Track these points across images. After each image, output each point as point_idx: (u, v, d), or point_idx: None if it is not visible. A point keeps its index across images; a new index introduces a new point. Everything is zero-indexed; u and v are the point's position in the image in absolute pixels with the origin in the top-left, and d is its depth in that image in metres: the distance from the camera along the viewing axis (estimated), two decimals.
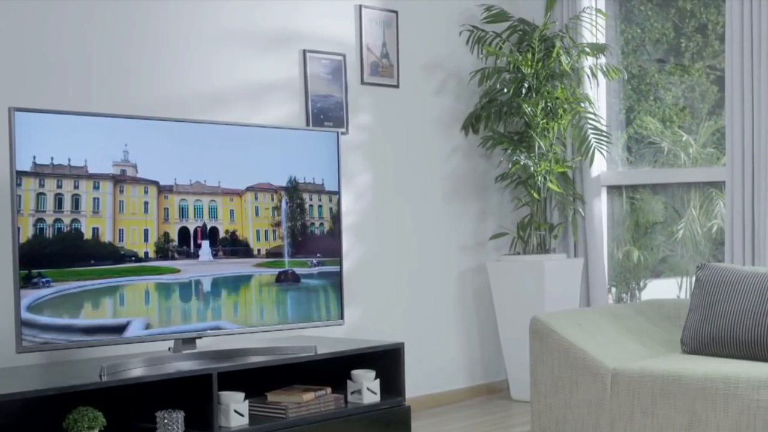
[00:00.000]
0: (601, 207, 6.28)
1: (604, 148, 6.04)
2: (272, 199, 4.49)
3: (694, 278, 4.62)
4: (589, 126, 6.02)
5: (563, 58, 5.91)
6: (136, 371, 3.86)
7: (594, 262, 6.19)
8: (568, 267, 5.97)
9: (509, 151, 5.98)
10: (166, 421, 3.82)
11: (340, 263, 4.75)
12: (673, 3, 6.41)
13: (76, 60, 4.43)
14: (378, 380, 4.51)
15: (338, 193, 4.75)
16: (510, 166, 5.97)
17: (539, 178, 5.93)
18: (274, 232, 4.49)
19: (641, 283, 6.58)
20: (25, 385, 3.56)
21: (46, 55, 4.33)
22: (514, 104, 5.99)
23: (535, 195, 5.96)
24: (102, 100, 4.48)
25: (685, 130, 6.39)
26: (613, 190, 6.45)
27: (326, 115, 5.42)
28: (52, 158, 3.83)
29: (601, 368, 4.30)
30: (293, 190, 4.56)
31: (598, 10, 6.14)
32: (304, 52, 5.35)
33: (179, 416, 3.84)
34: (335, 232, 4.72)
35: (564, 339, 4.43)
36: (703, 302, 4.50)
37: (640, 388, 4.17)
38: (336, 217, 4.73)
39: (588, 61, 6.13)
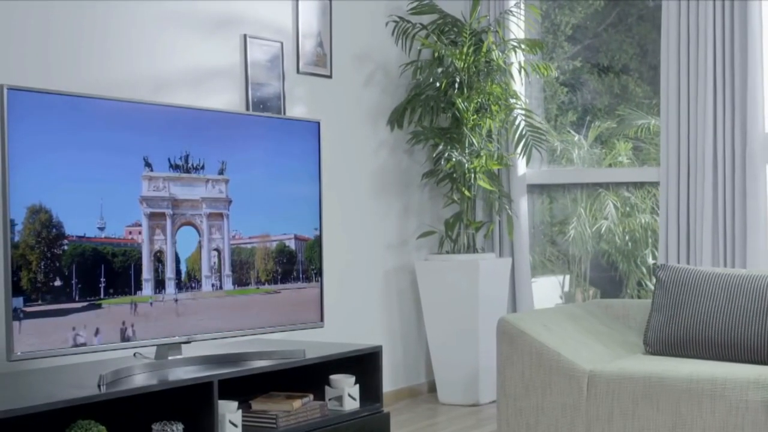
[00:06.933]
0: (525, 206, 6.23)
1: (542, 145, 5.99)
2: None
3: (655, 279, 4.63)
4: (525, 123, 5.95)
5: (495, 53, 5.82)
6: (137, 379, 3.50)
7: (520, 262, 6.14)
8: (499, 266, 5.89)
9: (441, 147, 5.84)
10: None
11: (320, 264, 4.50)
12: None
13: (34, 39, 4.07)
14: (357, 386, 4.29)
15: (318, 187, 4.51)
16: (444, 162, 5.82)
17: (471, 175, 5.82)
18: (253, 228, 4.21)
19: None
20: (25, 398, 3.16)
21: (10, 35, 3.97)
22: (443, 99, 5.86)
23: (467, 193, 5.84)
24: (60, 81, 4.12)
25: (576, 130, 6.47)
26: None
27: (265, 104, 5.14)
28: None
29: (576, 370, 4.23)
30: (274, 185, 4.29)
31: (530, 5, 6.09)
32: (245, 36, 5.06)
33: (178, 429, 3.50)
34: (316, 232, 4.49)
35: (535, 341, 4.35)
36: (667, 303, 4.50)
37: (620, 389, 4.12)
38: (318, 212, 4.49)
39: (517, 57, 6.07)
